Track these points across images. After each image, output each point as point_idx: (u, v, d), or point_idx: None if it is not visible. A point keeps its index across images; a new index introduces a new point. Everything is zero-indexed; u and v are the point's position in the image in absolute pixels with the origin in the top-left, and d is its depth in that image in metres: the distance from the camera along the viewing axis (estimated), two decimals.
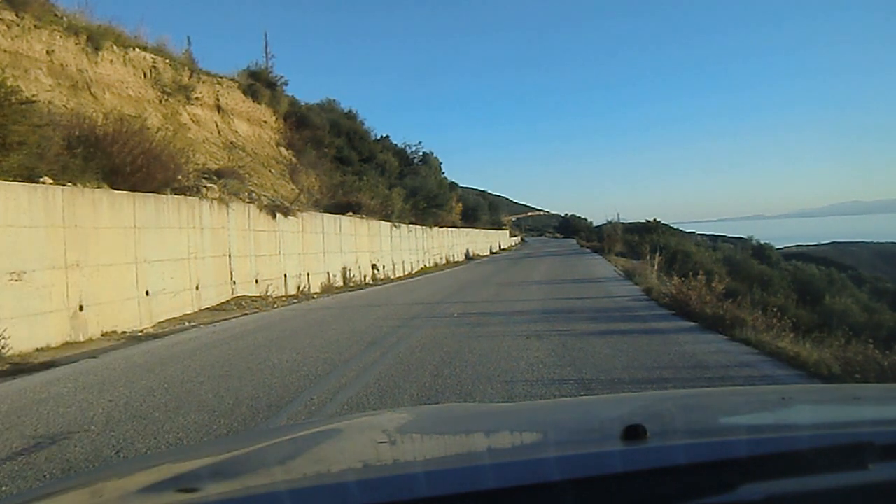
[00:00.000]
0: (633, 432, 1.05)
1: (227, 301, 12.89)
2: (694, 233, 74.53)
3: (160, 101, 19.61)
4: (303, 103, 31.51)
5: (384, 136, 39.61)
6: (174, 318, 10.95)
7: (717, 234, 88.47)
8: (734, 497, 0.92)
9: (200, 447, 2.87)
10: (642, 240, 37.65)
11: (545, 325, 8.58)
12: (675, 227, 50.65)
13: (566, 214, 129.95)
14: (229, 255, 13.27)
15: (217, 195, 13.16)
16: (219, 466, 1.26)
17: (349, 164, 30.90)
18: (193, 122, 21.36)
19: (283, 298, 14.44)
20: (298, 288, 16.17)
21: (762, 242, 50.25)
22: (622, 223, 41.82)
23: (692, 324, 8.29)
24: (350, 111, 35.85)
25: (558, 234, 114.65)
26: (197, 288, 11.91)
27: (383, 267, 23.73)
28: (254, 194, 15.86)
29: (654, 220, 42.85)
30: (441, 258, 33.83)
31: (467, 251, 40.69)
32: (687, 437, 1.24)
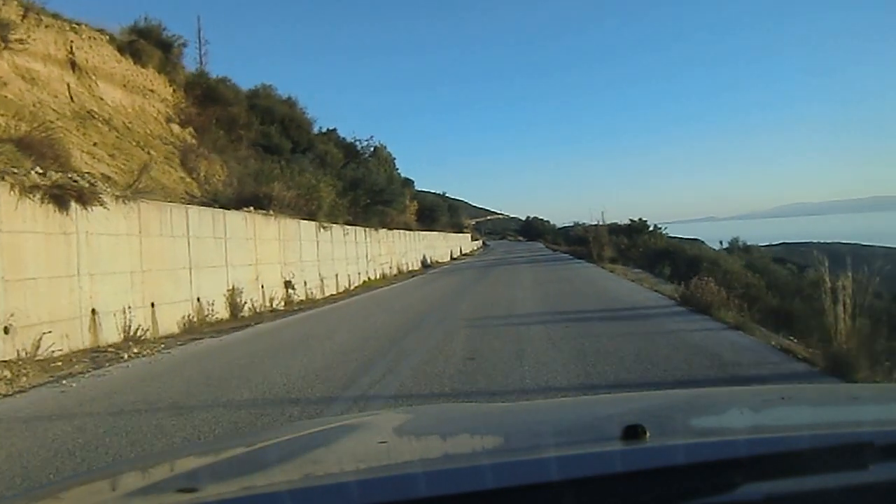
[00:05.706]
0: (633, 432, 1.03)
1: None
2: None
3: None
4: (213, 76, 25.44)
5: (331, 128, 34.29)
6: None
7: (671, 236, 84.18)
8: (734, 497, 0.89)
9: (200, 447, 2.75)
10: (632, 242, 31.76)
11: None
12: None
13: (528, 217, 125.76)
14: None
15: None
16: (219, 466, 1.26)
17: (279, 153, 25.24)
18: (23, 77, 14.43)
19: (60, 362, 7.51)
20: (126, 332, 9.29)
21: (748, 244, 45.60)
22: (605, 224, 35.43)
23: None
24: (289, 98, 30.87)
25: (521, 238, 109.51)
26: None
27: (304, 283, 16.88)
28: (30, 172, 8.84)
29: (640, 219, 36.95)
30: (390, 267, 27.18)
31: (424, 258, 34.34)
32: (687, 437, 1.24)
